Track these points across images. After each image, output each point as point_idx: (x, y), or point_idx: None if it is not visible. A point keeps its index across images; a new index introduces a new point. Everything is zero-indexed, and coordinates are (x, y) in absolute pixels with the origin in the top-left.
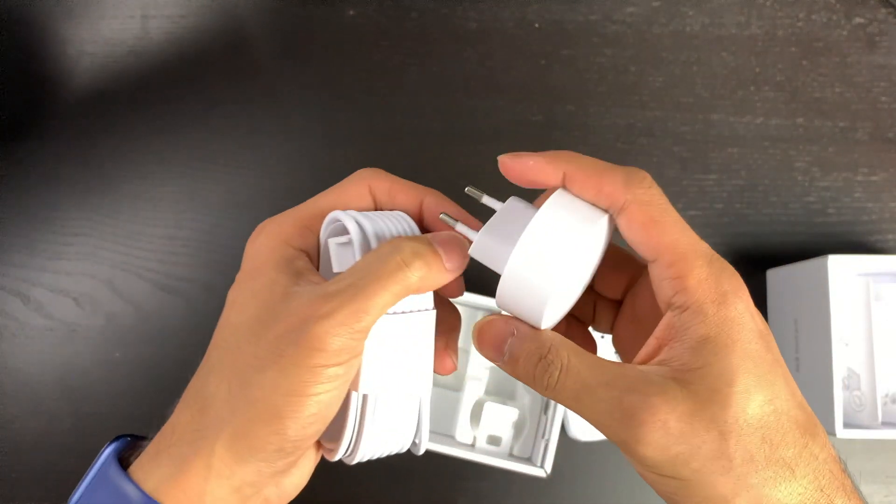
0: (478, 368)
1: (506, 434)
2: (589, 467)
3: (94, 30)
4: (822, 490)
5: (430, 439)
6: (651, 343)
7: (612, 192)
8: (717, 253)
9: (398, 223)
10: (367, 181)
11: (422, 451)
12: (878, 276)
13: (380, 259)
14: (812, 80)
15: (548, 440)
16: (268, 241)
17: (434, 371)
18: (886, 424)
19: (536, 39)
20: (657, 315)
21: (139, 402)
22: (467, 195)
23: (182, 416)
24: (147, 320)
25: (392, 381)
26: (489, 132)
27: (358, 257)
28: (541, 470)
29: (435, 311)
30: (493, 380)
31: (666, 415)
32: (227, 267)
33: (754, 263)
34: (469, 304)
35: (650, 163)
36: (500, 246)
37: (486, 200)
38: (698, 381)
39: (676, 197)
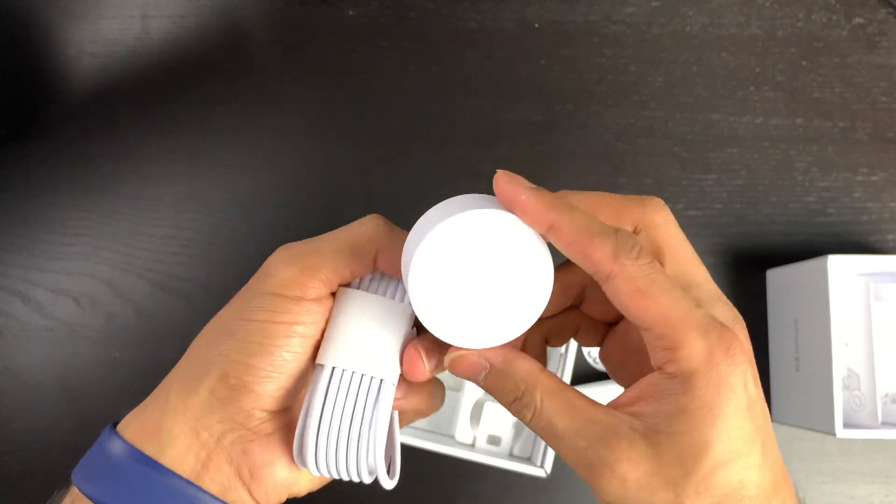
0: None
1: (506, 434)
2: None
3: (95, 30)
4: None
5: (430, 439)
6: (632, 391)
7: (599, 260)
8: (717, 252)
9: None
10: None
11: (394, 481)
12: (877, 275)
13: (350, 225)
14: (812, 80)
15: None
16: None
17: (402, 370)
18: (886, 424)
19: (536, 39)
20: (636, 346)
21: (139, 402)
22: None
23: (182, 365)
24: (147, 320)
25: (352, 357)
26: (489, 132)
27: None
28: (541, 470)
29: (411, 307)
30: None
31: (625, 472)
32: (227, 267)
33: (754, 263)
34: None
35: (650, 163)
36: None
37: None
38: (666, 445)
39: (676, 197)
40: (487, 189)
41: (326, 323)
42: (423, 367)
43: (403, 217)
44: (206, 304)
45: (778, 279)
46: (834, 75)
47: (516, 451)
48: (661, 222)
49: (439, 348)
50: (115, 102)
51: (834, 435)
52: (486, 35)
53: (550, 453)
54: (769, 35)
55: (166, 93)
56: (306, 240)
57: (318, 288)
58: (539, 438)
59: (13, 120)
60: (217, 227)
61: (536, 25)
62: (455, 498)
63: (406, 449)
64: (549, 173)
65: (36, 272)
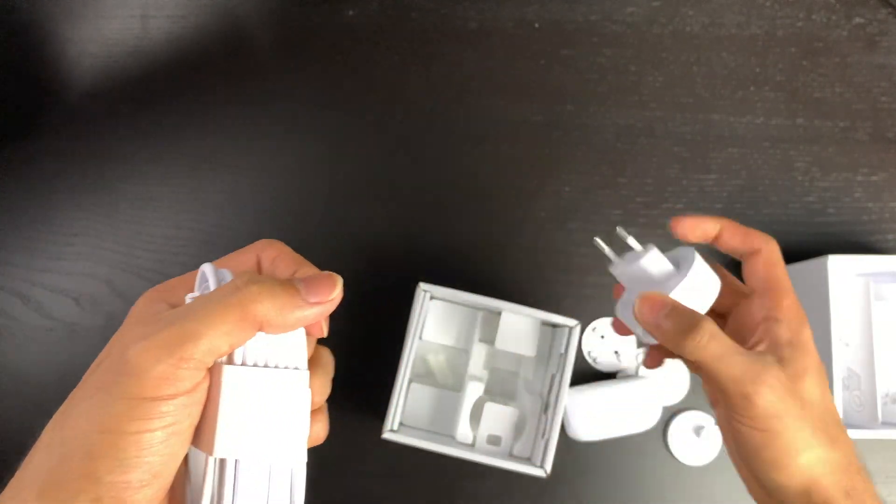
0: (478, 368)
1: (506, 434)
2: (588, 467)
3: (95, 30)
4: (850, 463)
5: (431, 439)
6: (753, 340)
7: (755, 241)
8: (717, 252)
9: None
10: (256, 251)
11: None
12: (878, 275)
13: (220, 289)
14: (812, 80)
15: (548, 440)
16: (141, 300)
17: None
18: (886, 424)
19: (536, 39)
20: (752, 327)
21: None
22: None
23: (18, 470)
24: None
25: (255, 446)
26: (489, 132)
27: None
28: (541, 470)
29: (307, 372)
30: (493, 380)
31: (774, 381)
32: None
33: None
34: (469, 303)
35: (650, 163)
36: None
37: (631, 241)
38: (788, 366)
39: (677, 197)
40: (487, 189)
41: (206, 403)
42: None
43: (403, 217)
44: None
45: None
46: (834, 75)
47: (516, 451)
48: (776, 252)
49: (331, 286)
50: (116, 102)
51: None
52: (487, 35)
53: (550, 453)
54: (769, 35)
55: (166, 93)
56: (172, 313)
57: (192, 377)
58: (539, 439)
59: (14, 119)
60: (217, 227)
61: (536, 25)
62: (455, 497)
63: (406, 449)
64: (549, 173)
65: (36, 272)
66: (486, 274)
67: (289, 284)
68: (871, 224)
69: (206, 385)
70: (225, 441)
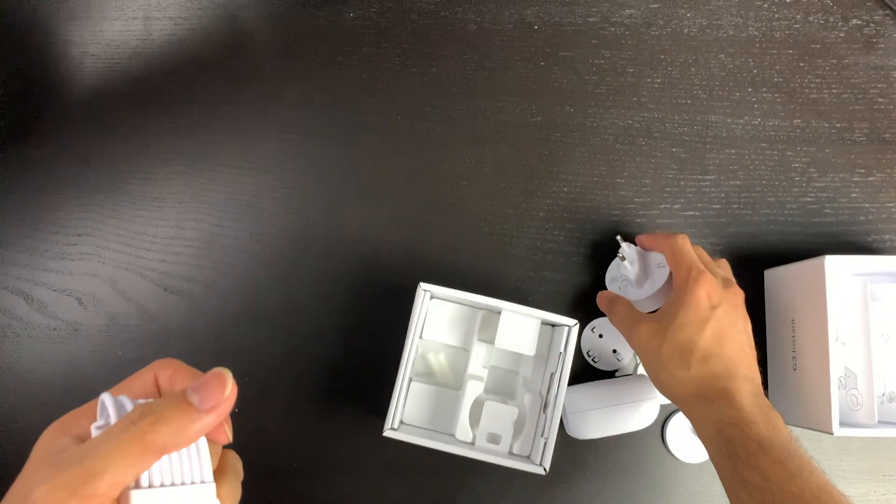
0: (478, 367)
1: (505, 432)
2: (587, 465)
3: (97, 31)
4: (703, 381)
5: (431, 437)
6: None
7: (661, 243)
8: (716, 253)
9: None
10: (153, 371)
11: None
12: (874, 275)
13: (117, 425)
14: (809, 81)
15: (547, 438)
16: (45, 435)
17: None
18: (883, 423)
19: (535, 41)
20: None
21: None
22: None
23: None
24: (150, 320)
25: None
26: (489, 133)
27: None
28: (540, 468)
29: (213, 484)
30: (492, 379)
31: (642, 329)
32: (228, 267)
33: (752, 263)
34: (469, 302)
35: (648, 163)
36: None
37: (623, 248)
38: (660, 319)
39: (674, 197)
40: (486, 189)
41: None
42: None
43: (403, 217)
44: (208, 303)
45: (775, 279)
46: (831, 76)
47: (516, 450)
48: (676, 248)
49: (221, 387)
50: (118, 103)
51: (831, 434)
52: (486, 36)
53: (549, 451)
54: (767, 37)
55: (168, 94)
56: (74, 452)
57: None
58: (538, 437)
59: (16, 120)
60: (219, 227)
61: (536, 27)
62: (455, 496)
63: (407, 447)
64: (548, 174)
65: (39, 272)
66: (486, 274)
67: (181, 401)
68: (867, 224)
69: None
70: None
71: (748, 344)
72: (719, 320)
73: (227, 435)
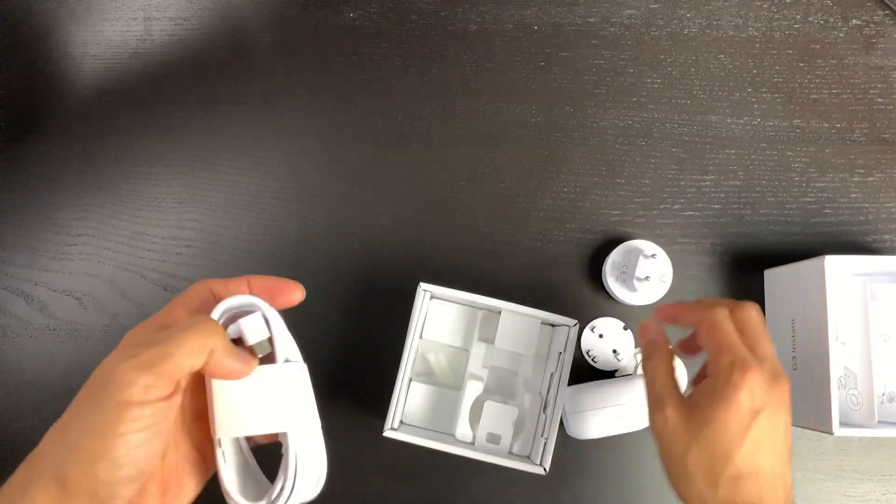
0: (478, 367)
1: (505, 432)
2: (587, 465)
3: (97, 32)
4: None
5: (431, 437)
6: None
7: (694, 316)
8: (715, 253)
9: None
10: (205, 283)
11: None
12: (874, 275)
13: (188, 320)
14: (809, 81)
15: (547, 438)
16: (133, 331)
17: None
18: (883, 423)
19: (535, 41)
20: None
21: None
22: None
23: (18, 471)
24: None
25: (246, 425)
26: (489, 133)
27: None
28: (540, 468)
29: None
30: (492, 379)
31: (664, 418)
32: (228, 267)
33: (752, 263)
34: (469, 302)
35: (648, 164)
36: None
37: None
38: (695, 412)
39: (674, 198)
40: (485, 189)
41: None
42: None
43: (403, 217)
44: None
45: (775, 279)
46: (831, 77)
47: (515, 450)
48: (753, 314)
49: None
50: (118, 104)
51: (831, 433)
52: (486, 37)
53: (549, 451)
54: (766, 37)
55: (168, 94)
56: (153, 338)
57: (167, 387)
58: (538, 437)
59: (17, 120)
60: (219, 227)
61: (535, 27)
62: (455, 495)
63: (407, 447)
64: (548, 174)
65: (39, 272)
66: (485, 274)
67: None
68: (867, 224)
69: (178, 395)
70: (220, 425)
71: (786, 447)
72: (761, 428)
73: (300, 292)
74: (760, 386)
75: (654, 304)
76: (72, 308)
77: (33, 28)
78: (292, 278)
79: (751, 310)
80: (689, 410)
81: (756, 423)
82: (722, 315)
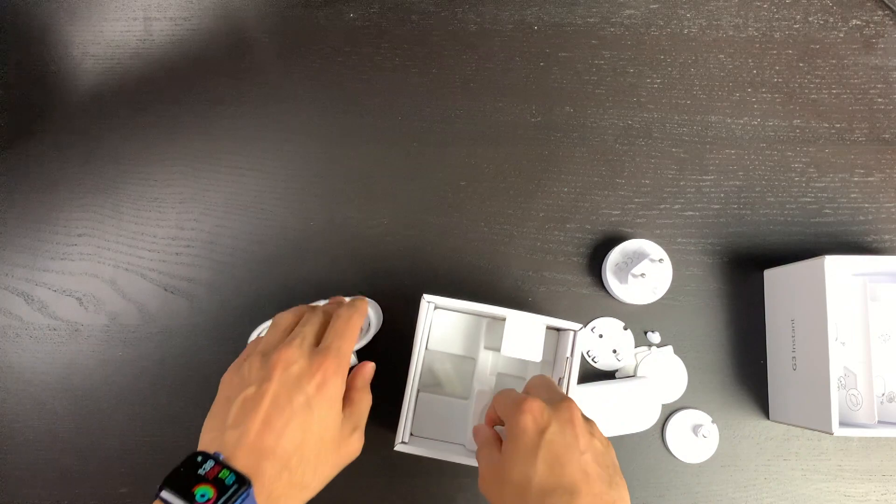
0: (485, 375)
1: None
2: None
3: (98, 32)
4: None
5: (438, 448)
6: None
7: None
8: (715, 252)
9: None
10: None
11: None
12: (874, 276)
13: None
14: (809, 81)
15: None
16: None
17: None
18: (882, 423)
19: (535, 41)
20: None
21: (142, 401)
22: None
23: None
24: (150, 320)
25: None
26: (489, 133)
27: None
28: None
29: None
30: (500, 386)
31: (485, 465)
32: (229, 267)
33: (752, 263)
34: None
35: (648, 164)
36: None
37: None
38: (494, 455)
39: (674, 198)
40: (486, 189)
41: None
42: None
43: (403, 217)
44: (208, 303)
45: (775, 279)
46: (831, 77)
47: None
48: (536, 382)
49: None
50: (118, 104)
51: (831, 433)
52: (486, 37)
53: None
54: (766, 37)
55: (168, 94)
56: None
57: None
58: None
59: (17, 121)
60: (219, 227)
61: (535, 28)
62: (455, 496)
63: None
64: (548, 174)
65: (39, 272)
66: (485, 274)
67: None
68: (867, 224)
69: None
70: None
71: (597, 459)
72: (552, 445)
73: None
74: (541, 408)
75: (653, 304)
76: (72, 308)
77: (33, 28)
78: (292, 278)
79: (539, 387)
80: (492, 459)
81: (544, 442)
82: (499, 393)
